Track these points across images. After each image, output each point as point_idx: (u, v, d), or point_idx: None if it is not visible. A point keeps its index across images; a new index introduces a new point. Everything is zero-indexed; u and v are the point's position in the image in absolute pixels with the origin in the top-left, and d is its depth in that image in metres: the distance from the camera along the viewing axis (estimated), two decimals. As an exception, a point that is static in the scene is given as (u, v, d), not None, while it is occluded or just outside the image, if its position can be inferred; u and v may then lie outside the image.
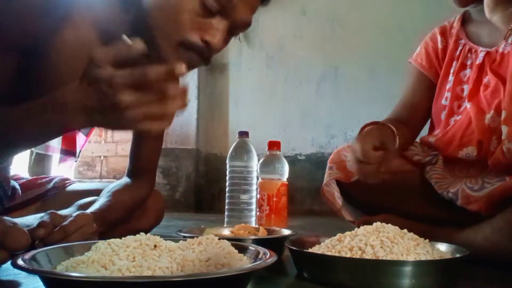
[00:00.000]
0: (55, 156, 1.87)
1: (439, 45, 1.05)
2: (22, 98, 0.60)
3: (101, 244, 0.51)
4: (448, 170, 0.95)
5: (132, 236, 0.52)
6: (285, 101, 2.81)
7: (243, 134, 1.27)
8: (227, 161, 1.25)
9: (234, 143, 1.26)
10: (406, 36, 2.55)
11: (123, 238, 0.52)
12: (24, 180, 1.08)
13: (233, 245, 0.56)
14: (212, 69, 2.94)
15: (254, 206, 1.24)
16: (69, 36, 0.68)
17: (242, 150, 1.24)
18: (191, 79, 2.77)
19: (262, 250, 0.55)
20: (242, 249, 0.56)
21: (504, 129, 0.83)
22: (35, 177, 1.11)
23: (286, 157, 2.79)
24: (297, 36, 2.84)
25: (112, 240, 0.51)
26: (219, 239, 0.56)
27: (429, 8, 2.29)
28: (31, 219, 0.79)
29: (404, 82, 1.15)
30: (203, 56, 0.71)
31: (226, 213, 1.25)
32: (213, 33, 0.70)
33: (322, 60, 2.78)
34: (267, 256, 0.52)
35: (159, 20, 0.70)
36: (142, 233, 0.53)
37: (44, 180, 1.08)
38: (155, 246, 0.50)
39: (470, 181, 0.86)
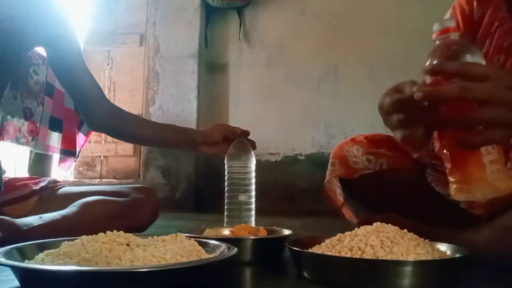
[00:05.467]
0: (55, 156, 1.87)
1: (474, 14, 0.86)
2: None
3: (79, 239, 0.56)
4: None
5: (103, 233, 0.56)
6: (285, 101, 2.81)
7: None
8: (225, 161, 1.25)
9: (233, 143, 1.26)
10: (406, 36, 2.57)
11: (94, 235, 0.56)
12: (17, 178, 1.10)
13: (199, 242, 0.61)
14: (212, 69, 2.94)
15: (253, 206, 1.24)
16: None
17: (241, 150, 1.24)
18: (191, 79, 2.77)
19: (225, 245, 0.60)
20: (207, 246, 0.62)
21: None
22: (27, 177, 1.14)
23: (286, 157, 2.83)
24: (297, 36, 2.84)
25: (84, 236, 0.56)
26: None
27: (430, 8, 2.29)
28: (31, 219, 0.83)
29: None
30: None
31: (225, 213, 1.25)
32: None
33: (322, 60, 2.78)
34: (227, 251, 0.57)
35: None
36: (114, 231, 0.56)
37: (37, 180, 1.10)
38: (127, 244, 0.54)
39: None
